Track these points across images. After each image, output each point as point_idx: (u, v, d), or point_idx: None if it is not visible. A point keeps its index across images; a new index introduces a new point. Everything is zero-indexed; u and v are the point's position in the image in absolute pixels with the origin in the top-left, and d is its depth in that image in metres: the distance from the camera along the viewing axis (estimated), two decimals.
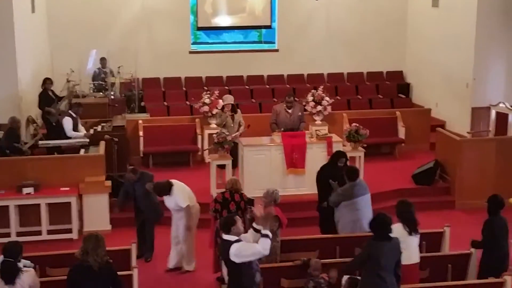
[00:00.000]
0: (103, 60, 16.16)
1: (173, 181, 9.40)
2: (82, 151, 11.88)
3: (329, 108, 13.94)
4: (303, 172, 11.49)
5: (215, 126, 13.22)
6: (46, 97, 13.94)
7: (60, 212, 10.81)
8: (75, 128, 12.40)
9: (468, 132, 14.16)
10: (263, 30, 17.92)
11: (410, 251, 7.51)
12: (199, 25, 17.52)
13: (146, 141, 13.65)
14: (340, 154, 9.91)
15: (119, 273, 6.83)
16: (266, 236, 6.83)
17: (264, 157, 11.49)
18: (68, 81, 15.19)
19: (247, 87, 17.19)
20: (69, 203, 10.74)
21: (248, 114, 13.32)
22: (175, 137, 13.77)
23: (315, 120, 13.86)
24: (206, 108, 13.72)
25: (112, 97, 15.14)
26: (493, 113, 13.61)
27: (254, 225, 7.03)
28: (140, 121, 13.96)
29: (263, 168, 11.39)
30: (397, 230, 7.36)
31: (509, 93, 14.49)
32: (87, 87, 15.79)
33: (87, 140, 12.20)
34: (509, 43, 14.54)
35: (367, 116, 14.28)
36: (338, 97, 16.43)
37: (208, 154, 12.64)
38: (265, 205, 8.35)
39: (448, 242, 8.92)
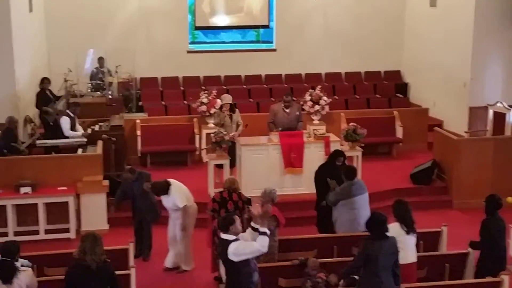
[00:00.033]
0: (100, 60, 16.16)
1: (171, 180, 9.40)
2: (79, 151, 11.87)
3: (326, 108, 13.95)
4: (301, 172, 11.49)
5: (213, 125, 13.22)
6: (44, 97, 13.94)
7: (57, 212, 10.80)
8: (73, 128, 12.41)
9: (465, 132, 14.15)
10: (261, 30, 17.93)
11: (407, 250, 7.52)
12: (197, 25, 17.51)
13: (144, 141, 13.64)
14: (338, 153, 9.92)
15: (116, 272, 6.82)
16: (264, 233, 6.84)
17: (262, 156, 11.50)
18: (65, 80, 15.20)
19: (244, 86, 17.19)
20: (66, 203, 10.74)
21: (246, 114, 13.31)
22: (173, 136, 13.76)
23: (313, 120, 13.87)
24: (204, 108, 13.72)
25: (110, 96, 15.15)
26: (490, 113, 13.61)
27: (253, 224, 7.03)
28: (138, 121, 13.95)
29: (261, 168, 11.39)
30: (394, 229, 7.37)
31: (507, 92, 14.50)
32: (84, 86, 15.80)
33: (85, 139, 12.21)
34: (506, 43, 14.56)
35: (365, 115, 14.29)
36: (336, 97, 16.43)
37: (206, 154, 12.63)
38: (262, 205, 8.34)
39: (446, 242, 8.93)
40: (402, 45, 17.88)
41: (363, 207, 9.01)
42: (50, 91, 14.29)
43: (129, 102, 15.76)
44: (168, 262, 9.64)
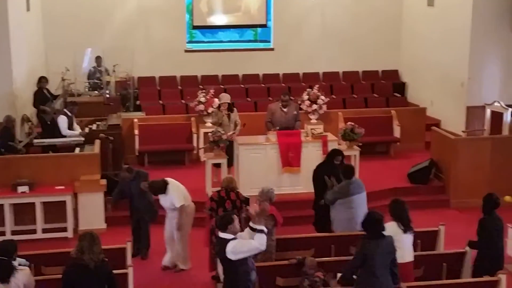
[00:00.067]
0: (98, 59, 16.14)
1: (168, 179, 9.40)
2: (77, 150, 11.87)
3: (324, 107, 13.95)
4: (299, 171, 11.50)
5: (210, 125, 13.21)
6: (41, 96, 13.93)
7: (55, 211, 10.79)
8: (70, 127, 12.41)
9: (463, 131, 14.18)
10: (259, 29, 17.93)
11: (404, 249, 7.52)
12: (195, 24, 17.51)
13: (142, 140, 13.63)
14: (337, 152, 9.93)
15: (114, 271, 6.82)
16: (262, 231, 6.84)
17: (260, 156, 11.50)
18: (63, 79, 15.18)
19: (242, 86, 17.18)
20: (64, 202, 10.73)
21: (244, 113, 13.30)
22: (170, 135, 13.75)
23: (311, 119, 13.87)
24: (201, 107, 13.71)
25: (108, 95, 15.13)
26: (488, 112, 13.63)
27: (251, 224, 7.02)
28: (136, 120, 13.94)
29: (259, 167, 11.39)
30: (391, 228, 7.37)
31: (504, 92, 14.52)
32: (82, 85, 15.77)
33: (82, 138, 12.21)
34: (504, 42, 14.57)
35: (363, 115, 14.28)
36: (334, 96, 16.43)
37: (204, 153, 12.63)
38: (260, 203, 8.35)
39: (443, 241, 8.94)
40: (400, 44, 17.89)
41: (360, 206, 9.02)
42: (48, 90, 14.28)
43: (127, 101, 15.75)
44: (166, 261, 9.64)
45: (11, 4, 13.30)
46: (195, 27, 17.56)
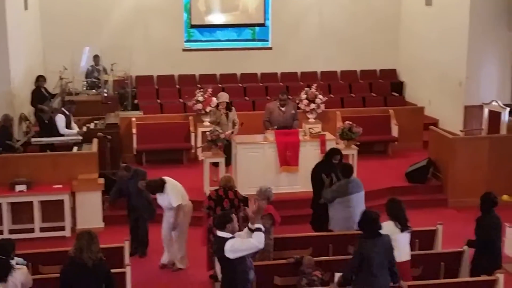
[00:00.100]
0: (96, 58, 16.13)
1: (166, 178, 9.39)
2: (75, 149, 11.86)
3: (322, 106, 13.94)
4: (296, 170, 11.50)
5: (208, 124, 13.21)
6: (39, 95, 13.91)
7: (52, 210, 10.78)
8: (68, 126, 12.40)
9: (461, 131, 14.19)
10: (257, 28, 17.92)
11: (401, 248, 7.52)
12: (193, 23, 17.50)
13: (139, 139, 13.62)
14: (335, 152, 9.93)
15: (112, 270, 6.82)
16: (259, 229, 6.84)
17: (258, 155, 11.49)
18: (61, 78, 15.16)
19: (240, 85, 17.18)
20: (62, 201, 10.72)
21: (242, 112, 13.29)
22: (168, 134, 13.75)
23: (309, 118, 13.86)
24: (199, 106, 13.70)
25: (105, 94, 15.12)
26: (485, 112, 13.63)
27: (250, 225, 7.02)
28: (133, 119, 13.93)
29: (257, 166, 11.39)
30: (388, 227, 7.37)
31: (502, 91, 14.54)
32: (80, 84, 15.77)
33: (80, 137, 12.20)
34: (501, 42, 14.58)
35: (361, 114, 14.27)
36: (332, 95, 16.45)
37: (202, 152, 12.63)
38: (255, 201, 8.34)
39: (441, 240, 8.95)
40: (398, 43, 17.90)
41: (359, 205, 9.02)
42: (45, 89, 14.27)
43: (125, 100, 15.74)
44: (164, 259, 9.65)
45: (9, 3, 13.28)
46: (193, 26, 17.54)
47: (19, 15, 14.26)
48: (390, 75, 17.95)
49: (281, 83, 17.21)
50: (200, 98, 13.70)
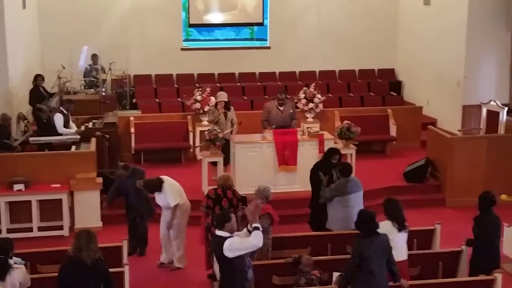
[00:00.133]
0: (94, 57, 16.12)
1: (164, 177, 9.39)
2: (73, 148, 11.85)
3: (320, 106, 13.94)
4: (295, 169, 11.50)
5: (206, 123, 13.21)
6: (37, 94, 13.89)
7: (51, 209, 10.77)
8: (66, 125, 12.39)
9: (459, 130, 14.20)
10: (255, 27, 17.92)
11: (398, 248, 7.51)
12: (191, 22, 17.49)
13: (138, 138, 13.61)
14: (334, 151, 9.93)
15: (110, 270, 6.81)
16: (257, 228, 6.84)
17: (256, 154, 11.50)
18: (59, 77, 15.15)
19: (238, 84, 17.18)
20: (60, 200, 10.71)
21: (240, 111, 13.28)
22: (166, 134, 13.73)
23: (307, 118, 13.86)
24: (197, 105, 13.69)
25: (104, 94, 15.13)
26: (484, 111, 13.64)
27: (248, 227, 7.02)
28: (132, 118, 13.91)
29: (255, 165, 11.39)
30: (385, 227, 7.37)
31: (500, 91, 14.55)
32: (78, 83, 15.77)
33: (78, 136, 12.19)
34: (500, 41, 14.60)
35: (359, 113, 14.27)
36: (330, 95, 16.45)
37: (200, 151, 12.62)
38: (251, 201, 8.36)
39: (439, 240, 8.95)
40: (396, 43, 17.90)
41: (357, 204, 9.01)
42: (44, 88, 14.25)
43: (123, 100, 15.74)
44: (162, 258, 9.64)
45: (7, 2, 13.26)
46: (191, 25, 17.54)
47: (17, 14, 14.24)
48: (388, 74, 17.96)
49: (279, 83, 17.21)
50: (199, 98, 13.69)
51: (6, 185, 10.64)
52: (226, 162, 11.76)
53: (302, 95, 13.92)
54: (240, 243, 6.76)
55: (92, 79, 15.77)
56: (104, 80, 15.59)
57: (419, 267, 8.18)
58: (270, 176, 11.32)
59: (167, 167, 12.50)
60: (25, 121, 13.90)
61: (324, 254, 8.43)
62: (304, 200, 10.41)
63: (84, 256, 6.41)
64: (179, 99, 16.12)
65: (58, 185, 10.80)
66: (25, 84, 14.22)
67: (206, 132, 11.63)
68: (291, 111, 12.42)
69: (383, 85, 17.44)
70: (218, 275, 7.59)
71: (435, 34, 15.77)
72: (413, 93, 17.06)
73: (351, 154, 11.98)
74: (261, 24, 17.78)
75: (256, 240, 6.78)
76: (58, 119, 12.27)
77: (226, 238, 6.76)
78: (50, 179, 10.85)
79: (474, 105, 14.26)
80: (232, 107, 12.36)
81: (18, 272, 6.72)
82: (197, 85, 15.36)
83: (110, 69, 15.76)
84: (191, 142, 13.74)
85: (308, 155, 11.43)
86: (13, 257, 6.94)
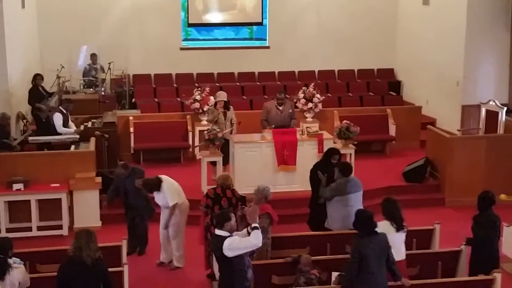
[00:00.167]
0: (93, 56, 16.11)
1: (163, 177, 9.39)
2: (72, 148, 11.84)
3: (320, 105, 13.94)
4: (294, 169, 11.50)
5: (206, 122, 13.22)
6: (36, 93, 13.88)
7: (50, 209, 10.77)
8: (65, 124, 12.39)
9: (458, 130, 14.21)
10: (254, 27, 17.92)
11: (396, 248, 7.50)
12: (190, 22, 17.49)
13: (137, 138, 13.61)
14: (333, 151, 9.92)
15: (109, 269, 6.81)
16: (257, 228, 6.84)
17: (255, 154, 11.49)
18: (58, 77, 15.15)
19: (238, 84, 17.18)
20: (59, 199, 10.70)
21: (239, 111, 13.28)
22: (166, 133, 13.73)
23: (306, 117, 13.87)
24: (197, 105, 13.69)
25: (103, 93, 15.12)
26: (483, 111, 13.64)
27: (248, 229, 7.02)
28: (131, 118, 13.90)
29: (254, 165, 11.39)
30: (384, 227, 7.36)
31: (499, 91, 14.56)
32: (77, 83, 15.77)
33: (77, 136, 12.19)
34: (499, 41, 14.60)
35: (358, 113, 14.27)
36: (329, 94, 16.45)
37: (199, 151, 12.62)
38: (255, 202, 8.36)
39: (438, 239, 8.95)
40: (395, 43, 17.91)
41: (357, 204, 9.00)
42: (43, 87, 14.24)
43: (122, 99, 15.74)
44: (162, 258, 9.64)
45: (6, 1, 13.26)
46: (190, 25, 17.54)
47: (16, 13, 14.24)
48: (387, 74, 17.96)
49: (278, 82, 17.22)
50: (198, 97, 13.69)
51: (5, 185, 10.63)
52: (226, 161, 11.76)
53: (301, 95, 13.92)
54: (239, 243, 6.76)
55: (91, 78, 15.76)
56: (103, 80, 15.59)
57: (418, 267, 8.17)
58: (269, 175, 11.32)
59: (167, 167, 12.49)
60: (24, 121, 13.89)
61: (323, 254, 8.43)
62: (303, 200, 10.41)
63: (85, 255, 6.41)
64: (178, 99, 16.12)
65: (57, 185, 10.80)
66: (24, 84, 14.21)
67: (205, 132, 11.62)
68: (290, 110, 12.43)
69: (383, 85, 17.44)
70: (217, 274, 7.58)
71: (435, 34, 15.78)
72: (412, 93, 17.07)
73: (350, 154, 11.98)
74: (260, 24, 17.79)
75: (255, 239, 6.78)
76: (57, 118, 12.26)
77: (225, 237, 6.76)
78: (49, 178, 10.85)
79: (473, 105, 14.27)
80: (231, 107, 12.35)
81: (18, 271, 6.72)
82: (196, 84, 15.36)
83: (109, 68, 15.75)
84: (190, 142, 13.74)
85: (307, 154, 11.43)
86: (12, 257, 6.94)
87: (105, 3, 16.78)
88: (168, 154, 13.79)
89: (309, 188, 9.96)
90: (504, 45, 14.65)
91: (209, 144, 11.49)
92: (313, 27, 17.70)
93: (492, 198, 8.06)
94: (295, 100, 13.73)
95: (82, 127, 12.79)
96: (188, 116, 13.98)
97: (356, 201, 9.07)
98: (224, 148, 11.70)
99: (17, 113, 13.68)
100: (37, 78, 14.01)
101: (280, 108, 12.31)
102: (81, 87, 15.60)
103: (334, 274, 7.60)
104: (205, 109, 13.48)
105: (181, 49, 17.37)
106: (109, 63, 15.72)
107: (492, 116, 13.38)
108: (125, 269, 7.76)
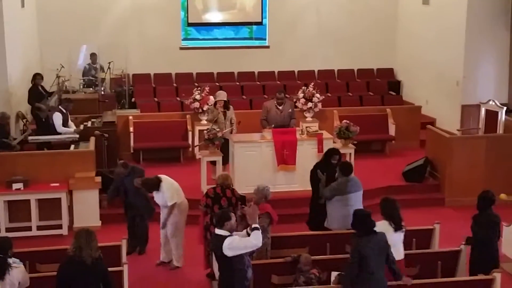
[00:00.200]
0: (93, 56, 16.11)
1: (162, 176, 9.38)
2: (72, 147, 11.84)
3: (319, 105, 13.93)
4: (294, 169, 11.50)
5: (205, 122, 13.22)
6: (36, 93, 13.88)
7: (50, 208, 10.77)
8: (65, 124, 12.39)
9: (458, 130, 14.21)
10: (254, 27, 17.92)
11: (395, 248, 7.50)
12: (190, 21, 17.50)
13: (137, 137, 13.61)
14: (333, 151, 9.92)
15: (109, 269, 6.81)
16: (257, 228, 6.84)
17: (255, 153, 11.49)
18: (58, 76, 15.14)
19: (237, 83, 17.18)
20: (59, 199, 10.70)
21: (239, 111, 13.28)
22: (165, 133, 13.72)
23: (306, 117, 13.86)
24: (196, 104, 13.69)
25: (102, 93, 15.12)
26: (482, 111, 13.64)
27: (248, 230, 7.02)
28: (131, 117, 13.90)
29: (254, 165, 11.39)
30: (382, 226, 7.35)
31: (499, 91, 14.57)
32: (77, 82, 15.77)
33: (77, 135, 12.18)
34: (499, 41, 14.61)
35: (358, 113, 14.27)
36: (329, 94, 16.45)
37: (199, 151, 12.62)
38: (254, 202, 8.36)
39: (438, 239, 8.95)
40: (395, 43, 17.91)
41: (357, 204, 9.00)
42: (42, 87, 14.23)
43: (122, 99, 15.74)
44: (162, 257, 9.64)
45: (5, 1, 13.25)
46: (190, 24, 17.54)
47: (15, 12, 14.23)
48: (387, 74, 17.96)
49: (278, 82, 17.22)
50: (198, 97, 13.69)
51: (5, 184, 10.63)
52: (225, 161, 11.76)
53: (301, 95, 13.92)
54: (240, 242, 6.76)
55: (91, 78, 15.76)
56: (103, 79, 15.58)
57: (418, 267, 8.17)
58: (269, 175, 11.32)
59: (166, 166, 12.49)
60: (24, 120, 13.89)
61: (323, 254, 8.43)
62: (303, 200, 10.41)
63: (85, 255, 6.41)
64: (178, 98, 16.12)
65: (57, 184, 10.80)
66: (24, 83, 14.21)
67: (205, 131, 11.62)
68: (290, 110, 12.42)
69: (382, 85, 17.44)
70: (217, 274, 7.58)
71: (434, 34, 15.78)
72: (412, 93, 17.07)
73: (350, 154, 11.97)
74: (260, 24, 17.79)
75: (256, 240, 6.78)
76: (57, 118, 12.26)
77: (226, 236, 6.76)
78: (49, 178, 10.85)
79: (473, 104, 14.27)
80: (231, 106, 12.35)
81: (17, 271, 6.71)
82: (196, 84, 15.37)
83: (109, 68, 15.75)
84: (190, 141, 13.74)
85: (307, 154, 11.43)
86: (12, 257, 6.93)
87: (105, 2, 16.78)
88: (168, 153, 13.79)
89: (309, 188, 9.97)
90: (504, 45, 14.66)
91: (208, 144, 11.49)
92: (313, 26, 17.70)
93: (492, 197, 8.05)
94: (294, 100, 13.73)
95: (81, 127, 12.79)
96: (187, 116, 13.98)
97: (356, 201, 9.07)
98: (224, 147, 11.70)
99: (16, 112, 13.68)
100: (37, 78, 14.00)
101: (280, 107, 12.31)
102: (81, 86, 15.60)
103: (334, 274, 7.60)
104: (204, 108, 13.48)
105: (181, 48, 17.37)
106: (109, 63, 15.71)
107: (492, 116, 13.38)
108: (125, 268, 7.76)
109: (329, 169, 9.50)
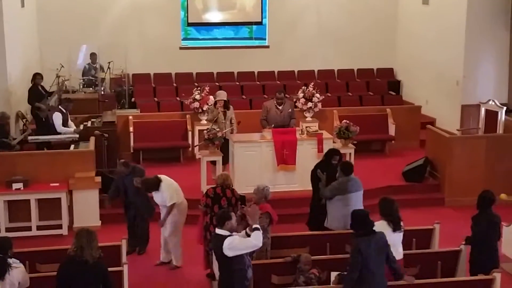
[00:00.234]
0: (93, 56, 16.11)
1: (162, 176, 9.38)
2: (72, 147, 11.84)
3: (319, 105, 13.94)
4: (294, 169, 11.50)
5: (205, 122, 13.22)
6: (36, 92, 13.87)
7: (50, 208, 10.77)
8: (65, 124, 12.38)
9: (458, 130, 14.21)
10: (254, 27, 17.93)
11: (394, 248, 7.49)
12: (190, 21, 17.50)
13: (136, 137, 13.61)
14: (334, 152, 9.92)
15: (109, 269, 6.80)
16: (257, 229, 6.84)
17: (255, 153, 11.49)
18: (57, 76, 15.14)
19: (237, 83, 17.18)
20: (59, 199, 10.70)
21: (239, 110, 13.28)
22: (165, 133, 13.73)
23: (306, 117, 13.86)
24: (196, 104, 13.69)
25: (102, 92, 15.12)
26: (482, 111, 13.65)
27: (247, 231, 7.02)
28: (130, 117, 13.89)
29: (254, 165, 11.39)
30: (381, 227, 7.34)
31: (499, 90, 14.57)
32: (77, 82, 15.77)
33: (77, 135, 12.18)
34: (498, 41, 14.61)
35: (358, 113, 14.27)
36: (329, 94, 16.45)
37: (199, 150, 12.62)
38: (254, 202, 8.36)
39: (438, 239, 8.95)
40: (395, 43, 17.91)
41: (357, 204, 9.00)
42: (42, 86, 14.23)
43: (122, 98, 15.73)
44: (162, 257, 9.64)
45: (5, 0, 13.26)
46: (190, 24, 17.55)
47: (15, 12, 14.24)
48: (387, 74, 17.97)
49: (278, 82, 17.22)
50: (197, 97, 13.69)
51: (5, 184, 10.63)
52: (225, 161, 11.76)
53: (301, 94, 13.91)
54: (240, 242, 6.76)
55: (91, 78, 15.76)
56: (103, 79, 15.58)
57: (418, 267, 8.16)
58: (269, 175, 11.33)
59: (166, 166, 12.50)
60: (24, 120, 13.89)
61: (323, 254, 8.43)
62: (303, 200, 10.41)
63: (86, 254, 6.41)
64: (178, 98, 16.12)
65: (57, 184, 10.80)
66: (23, 83, 14.21)
67: (205, 131, 11.62)
68: (290, 110, 12.42)
69: (382, 85, 17.44)
70: (217, 274, 7.58)
71: (434, 33, 15.78)
72: (412, 93, 17.07)
73: (350, 154, 11.98)
74: (260, 23, 17.79)
75: (256, 240, 6.78)
76: (57, 117, 12.26)
77: (226, 236, 6.76)
78: (49, 178, 10.85)
79: (473, 104, 14.27)
80: (231, 106, 12.35)
81: (17, 271, 6.71)
82: (196, 84, 15.38)
83: (109, 68, 15.75)
84: (190, 141, 13.73)
85: (307, 154, 11.43)
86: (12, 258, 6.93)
87: (104, 2, 16.78)
88: (168, 153, 13.78)
89: (309, 188, 9.97)
90: (504, 45, 14.66)
91: (208, 144, 11.49)
92: (313, 26, 17.70)
93: (492, 197, 8.04)
94: (294, 100, 13.73)
95: (81, 127, 12.78)
96: (187, 116, 13.98)
97: (357, 201, 9.07)
98: (224, 147, 11.69)
99: (16, 112, 13.68)
100: (37, 77, 14.00)
101: (280, 107, 12.31)
102: (81, 86, 15.60)
103: (334, 274, 7.59)
104: (204, 108, 13.48)
105: (181, 48, 17.37)
106: (109, 63, 15.72)
107: (491, 115, 13.38)
108: (125, 268, 7.75)
109: (329, 169, 9.50)
